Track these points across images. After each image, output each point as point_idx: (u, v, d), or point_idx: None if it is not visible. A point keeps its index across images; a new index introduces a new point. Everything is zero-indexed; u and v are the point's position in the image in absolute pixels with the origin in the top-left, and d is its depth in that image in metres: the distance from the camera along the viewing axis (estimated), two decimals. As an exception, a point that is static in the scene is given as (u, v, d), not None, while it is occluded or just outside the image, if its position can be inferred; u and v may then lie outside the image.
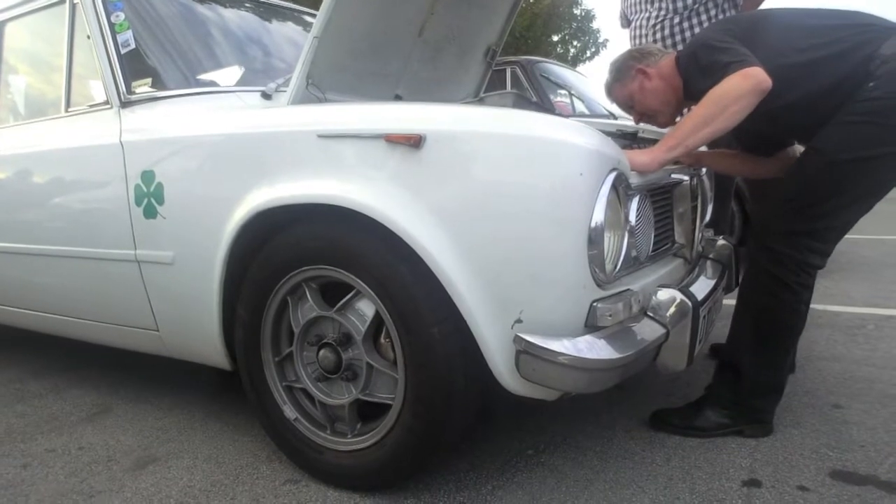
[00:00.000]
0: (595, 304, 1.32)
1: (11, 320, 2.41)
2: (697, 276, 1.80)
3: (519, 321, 1.31)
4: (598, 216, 1.27)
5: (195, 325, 1.76)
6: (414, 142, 1.33)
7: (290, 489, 1.59)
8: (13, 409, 2.18)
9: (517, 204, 1.26)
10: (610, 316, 1.33)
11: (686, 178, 1.80)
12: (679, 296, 1.49)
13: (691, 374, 2.15)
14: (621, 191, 1.36)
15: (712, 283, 1.83)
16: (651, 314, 1.46)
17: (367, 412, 1.57)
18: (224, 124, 1.64)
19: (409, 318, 1.38)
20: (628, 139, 1.90)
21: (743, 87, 1.53)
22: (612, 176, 1.30)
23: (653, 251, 1.62)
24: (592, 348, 1.28)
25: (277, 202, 1.49)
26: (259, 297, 1.61)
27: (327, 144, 1.45)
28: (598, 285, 1.32)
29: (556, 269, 1.27)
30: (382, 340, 1.51)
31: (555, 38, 17.93)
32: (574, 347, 1.27)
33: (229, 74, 2.00)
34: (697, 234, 1.93)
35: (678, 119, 1.89)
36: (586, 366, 1.27)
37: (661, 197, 1.70)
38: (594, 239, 1.27)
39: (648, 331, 1.43)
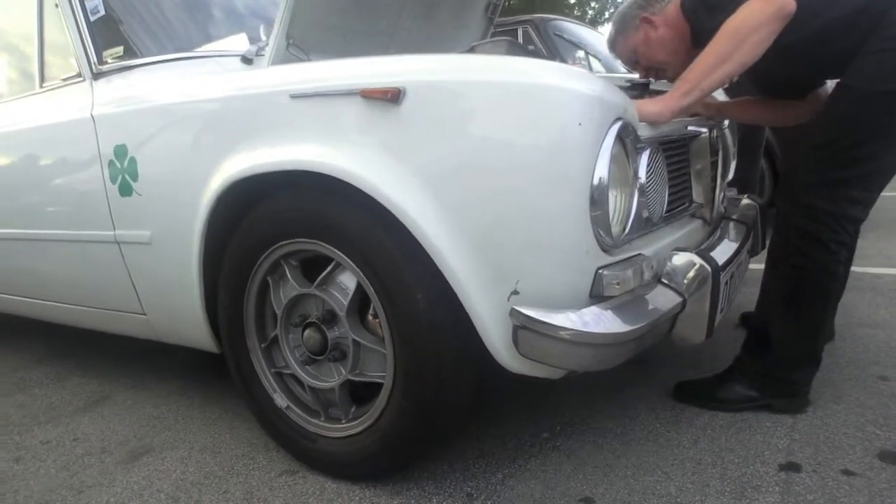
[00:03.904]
0: (601, 271, 1.17)
1: (2, 307, 2.34)
2: (719, 240, 1.64)
3: (515, 293, 1.16)
4: (601, 172, 1.11)
5: (179, 308, 1.66)
6: (392, 96, 1.18)
7: (286, 481, 1.48)
8: (13, 400, 2.11)
9: (509, 160, 1.11)
10: (618, 284, 1.18)
11: (704, 130, 1.62)
12: (697, 260, 1.33)
13: (721, 345, 1.98)
14: (629, 144, 1.19)
15: (735, 246, 1.66)
16: (665, 281, 1.31)
17: (362, 394, 1.45)
18: (194, 91, 1.51)
19: (391, 288, 1.25)
20: (639, 90, 1.72)
21: (765, 12, 1.34)
22: (617, 126, 1.14)
23: (667, 212, 1.46)
24: (598, 321, 1.14)
25: (250, 171, 1.36)
26: (239, 278, 1.49)
27: (301, 105, 1.30)
28: (604, 250, 1.17)
29: (554, 233, 1.12)
30: (370, 318, 1.39)
31: (571, 0, 17.42)
32: (578, 321, 1.12)
33: (208, 39, 1.86)
34: (718, 193, 1.75)
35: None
36: (592, 341, 1.13)
37: (676, 151, 1.52)
38: (597, 198, 1.12)
39: (662, 299, 1.27)
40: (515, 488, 1.39)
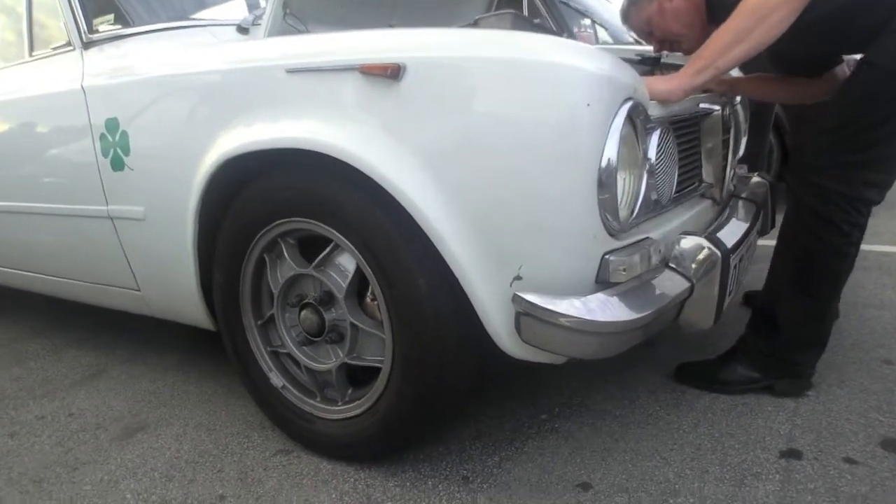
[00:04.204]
0: (607, 256, 1.14)
1: (5, 280, 2.31)
2: (728, 219, 1.59)
3: (518, 278, 1.13)
4: (610, 154, 1.07)
5: (174, 285, 1.63)
6: (392, 72, 1.13)
7: (281, 461, 1.47)
8: (10, 373, 2.10)
9: (514, 140, 1.06)
10: (624, 270, 1.14)
11: (717, 107, 1.56)
12: (706, 244, 1.29)
13: (726, 324, 1.95)
14: (639, 124, 1.15)
15: (745, 226, 1.62)
16: (673, 265, 1.27)
17: (359, 377, 1.43)
18: (187, 64, 1.45)
19: (390, 271, 1.21)
20: (650, 65, 1.66)
21: None
22: (627, 106, 1.09)
23: (676, 193, 1.41)
24: (604, 308, 1.10)
25: (244, 148, 1.32)
26: (234, 257, 1.46)
27: (297, 80, 1.25)
28: (611, 235, 1.14)
29: (560, 217, 1.09)
30: (369, 300, 1.35)
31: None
32: (582, 308, 1.09)
33: (202, 6, 1.80)
34: (729, 172, 1.70)
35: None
36: (597, 329, 1.10)
37: (687, 130, 1.47)
38: (605, 181, 1.08)
39: (670, 285, 1.24)
40: (512, 471, 1.37)
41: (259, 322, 1.51)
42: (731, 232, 1.51)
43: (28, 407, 1.84)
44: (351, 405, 1.40)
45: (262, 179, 1.36)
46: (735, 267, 1.37)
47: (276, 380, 1.50)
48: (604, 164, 1.07)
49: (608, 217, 1.11)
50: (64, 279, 1.99)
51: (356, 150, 1.17)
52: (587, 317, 1.08)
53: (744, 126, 1.96)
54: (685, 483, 1.30)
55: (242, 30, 1.65)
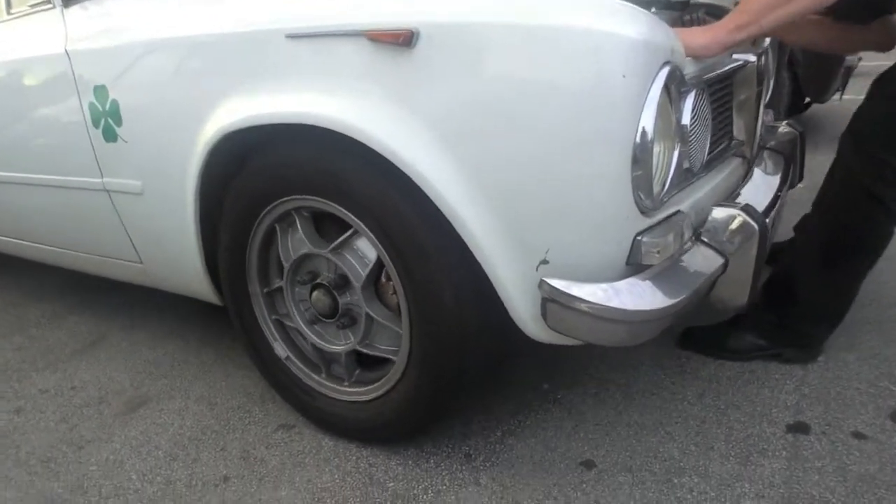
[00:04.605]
0: (639, 237, 1.03)
1: (6, 249, 2.22)
2: (759, 179, 1.47)
3: (545, 262, 1.03)
4: (646, 127, 0.95)
5: (177, 259, 1.51)
6: (403, 39, 0.99)
7: (283, 437, 1.41)
8: (11, 342, 2.03)
9: (538, 117, 0.94)
10: (658, 252, 1.03)
11: (752, 59, 1.40)
12: (741, 216, 1.19)
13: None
14: (673, 89, 1.02)
15: (776, 183, 1.49)
16: (706, 239, 1.17)
17: (367, 358, 1.35)
18: (177, 26, 1.30)
19: (411, 263, 1.11)
20: (678, 8, 1.54)
21: None
22: (665, 73, 0.96)
23: (708, 157, 1.29)
24: (636, 296, 1.01)
25: (243, 123, 1.18)
26: (241, 225, 1.34)
27: (298, 46, 1.11)
28: (642, 212, 1.02)
29: (590, 198, 0.98)
30: (383, 280, 1.25)
31: None
32: (613, 295, 1.00)
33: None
34: (759, 127, 1.56)
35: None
36: (627, 318, 1.00)
37: (719, 86, 1.33)
38: (640, 157, 0.96)
39: (703, 261, 1.14)
40: (515, 448, 1.32)
41: (266, 290, 1.41)
42: (763, 190, 1.40)
43: (31, 379, 1.77)
44: (360, 388, 1.32)
45: (265, 154, 1.23)
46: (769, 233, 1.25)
47: (281, 350, 1.41)
48: (638, 139, 0.95)
49: (641, 195, 1.00)
50: (63, 250, 1.87)
51: (365, 125, 1.04)
52: (617, 305, 0.99)
53: (772, 72, 1.84)
54: (690, 461, 1.24)
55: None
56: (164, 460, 1.38)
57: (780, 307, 1.54)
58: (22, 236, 2.05)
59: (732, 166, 1.41)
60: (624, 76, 0.92)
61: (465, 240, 1.04)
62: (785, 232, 1.66)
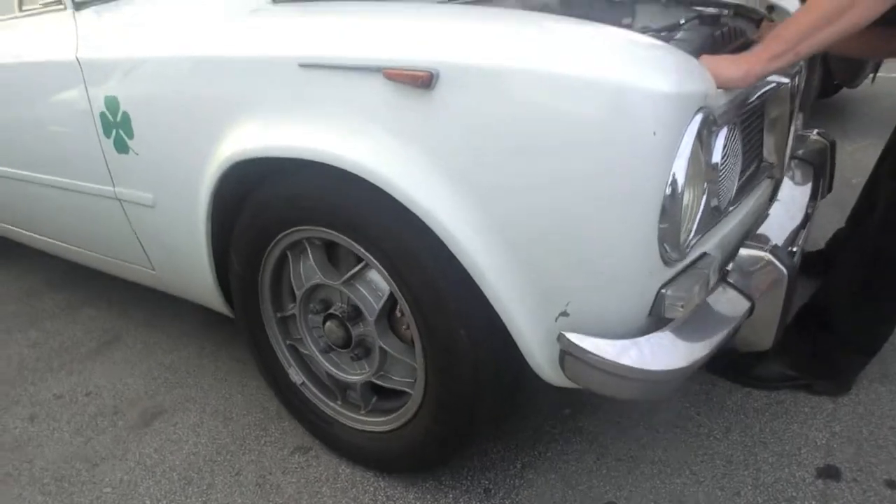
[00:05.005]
0: (662, 290, 1.00)
1: (22, 240, 2.23)
2: (785, 189, 1.43)
3: (564, 314, 1.01)
4: (677, 179, 0.91)
5: (188, 271, 1.51)
6: (422, 81, 0.96)
7: (299, 461, 1.41)
8: (26, 336, 2.05)
9: (564, 169, 0.91)
10: (682, 306, 1.01)
11: (786, 80, 1.33)
12: (770, 258, 1.14)
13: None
14: (705, 132, 0.97)
15: (805, 198, 1.45)
16: (732, 281, 1.14)
17: (384, 387, 1.33)
18: (189, 43, 1.27)
19: (423, 300, 1.09)
20: (708, 24, 1.45)
21: None
22: (698, 121, 0.92)
23: (738, 188, 1.24)
24: (657, 353, 0.99)
25: (254, 152, 1.16)
26: (252, 252, 1.33)
27: (311, 76, 1.08)
28: (667, 263, 0.99)
29: (613, 252, 0.95)
30: (398, 314, 1.23)
31: None
32: (636, 354, 0.97)
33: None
34: (790, 144, 1.49)
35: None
36: (648, 377, 0.98)
37: (752, 112, 1.27)
38: (668, 210, 0.92)
39: (728, 306, 1.11)
40: (535, 484, 1.30)
41: (279, 315, 1.40)
42: (791, 210, 1.37)
43: (46, 382, 1.79)
44: (377, 418, 1.32)
45: (275, 183, 1.21)
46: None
47: (296, 376, 1.41)
48: (668, 191, 0.91)
49: (667, 248, 0.97)
50: (76, 248, 1.89)
51: (380, 168, 1.01)
52: (637, 364, 0.97)
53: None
54: (716, 507, 1.24)
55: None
56: (178, 484, 1.38)
57: (812, 336, 1.49)
58: (35, 231, 2.06)
59: (761, 189, 1.37)
60: (655, 133, 0.88)
61: (482, 288, 1.02)
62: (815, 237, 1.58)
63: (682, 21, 1.46)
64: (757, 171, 1.37)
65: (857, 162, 2.91)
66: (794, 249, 1.32)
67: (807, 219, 1.39)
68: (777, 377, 1.53)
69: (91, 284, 2.38)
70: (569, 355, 1.00)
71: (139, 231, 1.58)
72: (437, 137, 0.98)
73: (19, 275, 2.54)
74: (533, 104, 0.91)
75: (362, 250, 1.15)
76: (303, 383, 1.43)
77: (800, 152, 1.62)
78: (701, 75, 0.95)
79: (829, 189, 1.75)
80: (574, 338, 0.99)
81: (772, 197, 1.42)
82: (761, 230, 1.32)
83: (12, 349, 1.99)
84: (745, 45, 1.38)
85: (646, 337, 1.00)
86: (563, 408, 1.53)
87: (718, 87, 1.02)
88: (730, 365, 1.59)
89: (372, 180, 1.03)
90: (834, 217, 2.07)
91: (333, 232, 1.17)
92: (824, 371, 1.50)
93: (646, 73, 0.87)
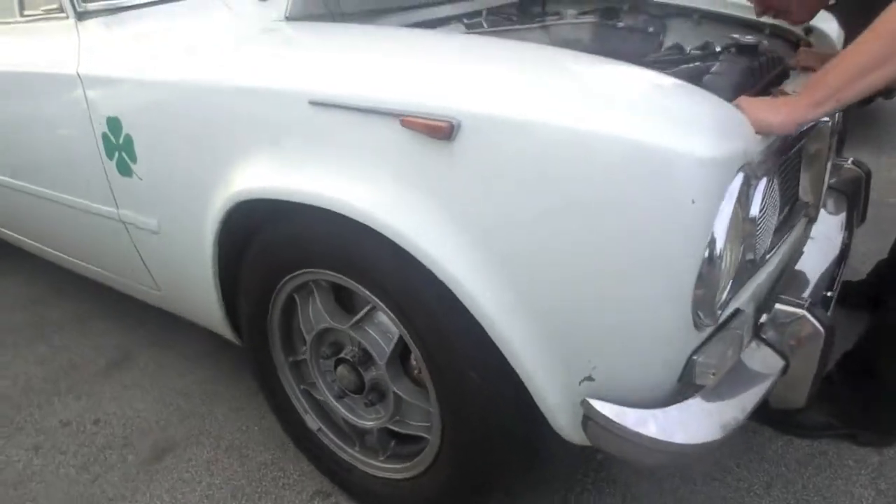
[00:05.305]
0: (694, 357, 0.95)
1: (32, 251, 2.16)
2: (819, 225, 1.38)
3: (589, 379, 0.96)
4: (716, 245, 0.85)
5: (195, 298, 1.48)
6: (443, 132, 0.90)
7: None
8: (34, 352, 2.02)
9: (593, 232, 0.86)
10: (713, 374, 0.96)
11: (826, 119, 1.25)
12: (807, 317, 1.09)
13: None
14: (744, 188, 0.90)
15: (839, 234, 1.41)
16: (765, 337, 1.09)
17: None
18: (194, 68, 1.21)
19: (438, 356, 1.06)
20: (746, 56, 1.35)
21: None
22: (739, 181, 0.85)
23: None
24: (685, 425, 0.94)
25: (258, 193, 1.13)
26: (261, 291, 1.29)
27: (322, 116, 1.03)
28: (698, 328, 0.93)
29: (643, 319, 0.90)
30: (413, 362, 1.19)
31: None
32: (661, 425, 0.92)
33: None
34: (826, 179, 1.41)
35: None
36: (674, 450, 0.93)
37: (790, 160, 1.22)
38: (705, 275, 0.87)
39: (761, 364, 1.07)
40: None
41: (291, 359, 1.37)
42: (825, 249, 1.32)
43: (53, 406, 1.77)
44: (395, 465, 1.28)
45: (284, 225, 1.17)
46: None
47: (312, 423, 1.39)
48: (706, 255, 0.85)
49: (700, 315, 0.91)
50: (82, 263, 1.86)
51: (393, 220, 0.97)
52: (665, 438, 0.92)
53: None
54: (759, 581, 1.18)
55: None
56: (191, 532, 1.30)
57: (857, 386, 1.42)
58: (42, 243, 2.02)
59: (796, 231, 1.31)
60: (694, 202, 0.82)
61: (502, 349, 0.98)
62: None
63: (718, 49, 1.37)
64: (792, 211, 1.32)
65: (894, 179, 2.79)
66: (830, 294, 1.27)
67: (843, 254, 1.35)
68: (819, 426, 1.46)
69: (101, 293, 2.32)
70: (592, 421, 0.96)
71: (144, 254, 1.56)
72: (456, 192, 0.94)
73: (27, 280, 2.53)
74: (563, 160, 0.85)
75: (368, 293, 1.11)
76: (319, 429, 1.40)
77: (832, 181, 1.54)
78: (741, 128, 0.90)
79: (863, 219, 1.71)
80: (598, 405, 0.95)
81: (804, 231, 1.37)
82: (798, 267, 1.28)
83: (19, 367, 1.96)
84: (784, 74, 1.33)
85: (673, 407, 0.95)
86: (596, 452, 1.45)
87: (758, 133, 0.95)
88: (770, 411, 1.51)
89: (385, 233, 0.99)
90: (870, 237, 1.97)
91: (338, 274, 1.14)
92: (869, 421, 1.44)
93: (684, 135, 0.81)
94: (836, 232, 1.47)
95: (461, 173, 0.92)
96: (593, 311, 0.91)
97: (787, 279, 1.26)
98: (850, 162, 1.73)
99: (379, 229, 0.99)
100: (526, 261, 0.92)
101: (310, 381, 1.38)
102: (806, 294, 1.18)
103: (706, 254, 0.85)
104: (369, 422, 1.29)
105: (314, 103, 1.03)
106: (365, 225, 1.01)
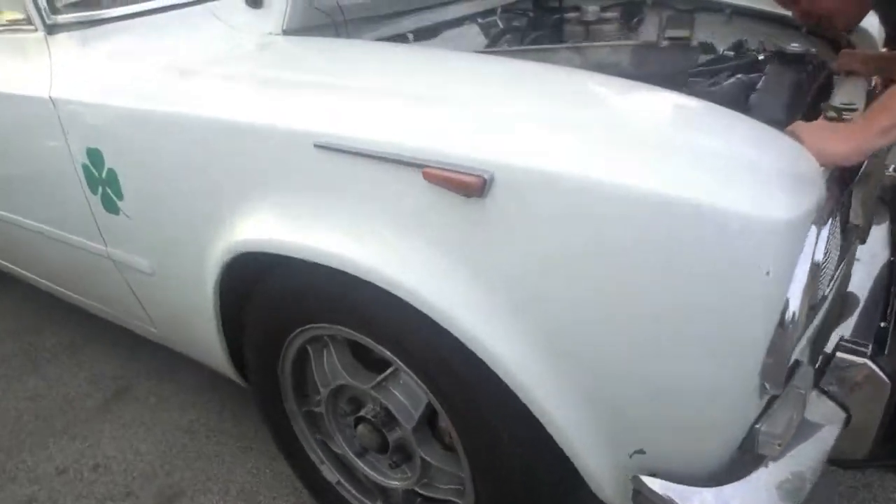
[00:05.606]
0: (757, 426, 0.85)
1: (27, 280, 2.02)
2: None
3: (640, 452, 0.87)
4: (789, 311, 0.74)
5: (196, 340, 1.37)
6: (473, 188, 0.77)
7: None
8: (25, 386, 1.91)
9: (648, 302, 0.75)
10: (778, 444, 0.86)
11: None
12: (870, 366, 1.01)
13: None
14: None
15: (884, 250, 1.34)
16: (826, 388, 1.00)
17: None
18: (184, 96, 1.08)
19: (467, 421, 0.96)
20: (792, 65, 1.23)
21: None
22: (813, 236, 0.74)
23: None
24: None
25: (260, 245, 1.02)
26: (267, 348, 1.19)
27: (329, 162, 0.91)
28: (762, 397, 0.84)
29: (705, 394, 0.79)
30: (441, 424, 1.09)
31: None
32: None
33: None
34: (875, 194, 1.32)
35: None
36: None
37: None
38: (777, 344, 0.76)
39: (821, 417, 0.98)
40: None
41: (305, 409, 1.26)
42: (870, 269, 1.27)
43: (47, 450, 1.66)
44: None
45: (290, 278, 1.05)
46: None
47: (330, 475, 1.28)
48: (777, 320, 0.74)
49: (767, 385, 0.80)
50: (75, 295, 1.74)
51: (415, 286, 0.86)
52: None
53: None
54: None
55: (255, 2, 1.23)
56: None
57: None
58: (30, 272, 1.92)
59: (846, 259, 1.21)
60: (768, 273, 0.70)
61: (542, 422, 0.87)
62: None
63: (761, 57, 1.27)
64: (845, 237, 1.19)
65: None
66: (884, 325, 1.18)
67: (893, 274, 1.29)
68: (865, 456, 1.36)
69: (95, 320, 2.17)
70: (642, 496, 0.87)
71: (139, 294, 1.44)
72: (488, 255, 0.83)
73: (17, 304, 2.38)
74: (613, 224, 0.74)
75: (389, 353, 1.00)
76: (338, 482, 1.30)
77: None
78: (811, 172, 0.77)
79: None
80: (653, 484, 0.85)
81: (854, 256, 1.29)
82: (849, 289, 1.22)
83: (9, 402, 1.86)
84: (829, 82, 1.23)
85: (738, 485, 0.85)
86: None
87: (822, 164, 0.83)
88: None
89: (402, 297, 0.88)
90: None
91: (354, 332, 1.03)
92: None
93: (755, 195, 0.69)
94: (881, 247, 1.38)
95: (494, 233, 0.80)
96: (647, 383, 0.81)
97: (838, 311, 1.17)
98: (892, 169, 1.63)
99: (395, 292, 0.88)
100: (572, 330, 0.81)
101: (326, 433, 1.27)
102: (863, 337, 1.09)
103: (778, 319, 0.74)
104: (394, 482, 1.19)
105: (320, 146, 0.90)
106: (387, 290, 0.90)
